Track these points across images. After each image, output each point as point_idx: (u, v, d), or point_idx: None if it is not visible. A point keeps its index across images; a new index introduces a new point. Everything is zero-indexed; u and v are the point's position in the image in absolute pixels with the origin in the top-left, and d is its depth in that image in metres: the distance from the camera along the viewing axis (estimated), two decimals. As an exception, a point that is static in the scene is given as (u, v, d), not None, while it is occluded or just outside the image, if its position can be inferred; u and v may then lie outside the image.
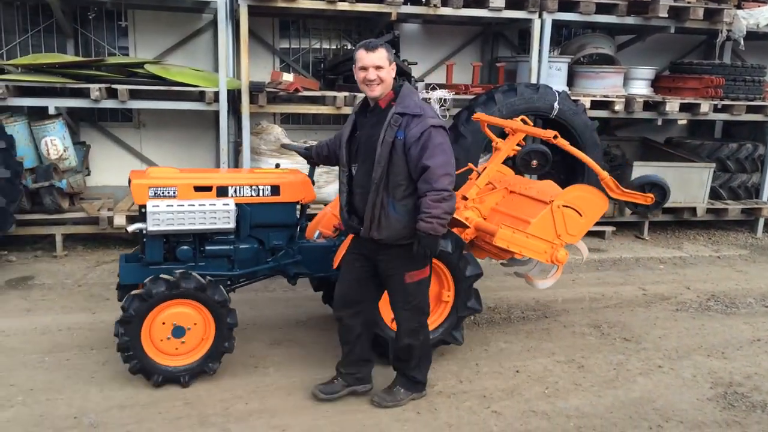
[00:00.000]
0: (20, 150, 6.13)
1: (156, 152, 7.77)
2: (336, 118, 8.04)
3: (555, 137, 4.54)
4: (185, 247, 4.09)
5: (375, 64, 3.43)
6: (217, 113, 6.74)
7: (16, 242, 6.51)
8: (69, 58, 6.80)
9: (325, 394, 3.85)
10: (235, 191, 4.15)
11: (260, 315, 5.15)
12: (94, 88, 6.17)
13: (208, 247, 4.18)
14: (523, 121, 4.91)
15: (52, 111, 6.30)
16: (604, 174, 4.58)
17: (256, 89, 6.69)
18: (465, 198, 4.80)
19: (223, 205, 4.06)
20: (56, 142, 6.38)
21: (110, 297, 5.43)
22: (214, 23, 7.63)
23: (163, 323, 3.84)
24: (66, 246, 6.56)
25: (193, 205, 4.01)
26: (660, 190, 4.77)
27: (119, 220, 6.42)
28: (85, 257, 6.50)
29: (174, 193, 4.03)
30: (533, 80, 7.27)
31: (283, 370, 4.27)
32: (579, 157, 4.69)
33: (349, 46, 8.29)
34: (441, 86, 7.28)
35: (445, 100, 6.98)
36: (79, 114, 7.39)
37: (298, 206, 4.37)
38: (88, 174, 7.35)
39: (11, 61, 6.74)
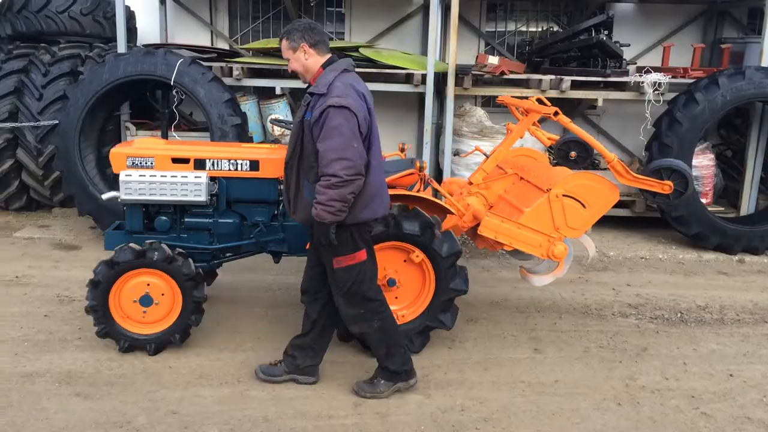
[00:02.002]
0: (250, 126, 6.82)
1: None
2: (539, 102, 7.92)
3: (555, 114, 4.23)
4: (164, 218, 4.19)
5: (285, 56, 3.46)
6: (421, 95, 6.97)
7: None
8: (293, 42, 7.39)
9: (264, 374, 3.81)
10: (213, 164, 4.11)
11: (457, 292, 5.29)
12: (315, 70, 6.66)
13: (187, 219, 4.23)
14: (538, 101, 4.54)
15: (278, 91, 6.92)
16: (611, 156, 4.20)
17: (462, 72, 6.81)
18: (470, 183, 4.59)
19: (195, 177, 4.05)
20: (280, 119, 7.00)
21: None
22: (423, 7, 7.88)
23: (132, 291, 3.93)
24: (282, 214, 7.19)
25: (165, 176, 4.04)
26: (680, 177, 4.15)
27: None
28: (298, 226, 7.07)
29: (151, 163, 4.08)
30: (765, 63, 6.60)
31: (480, 346, 4.37)
32: (581, 137, 4.35)
33: (556, 28, 8.10)
34: (656, 69, 6.88)
35: (659, 84, 6.59)
36: (300, 94, 8.02)
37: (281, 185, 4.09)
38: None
39: (245, 46, 7.52)
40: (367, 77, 6.89)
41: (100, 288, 3.89)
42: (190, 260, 3.98)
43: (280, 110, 7.04)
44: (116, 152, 4.11)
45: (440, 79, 7.05)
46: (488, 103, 8.30)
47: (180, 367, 3.92)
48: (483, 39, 8.19)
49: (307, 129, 3.31)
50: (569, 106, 8.15)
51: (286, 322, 4.60)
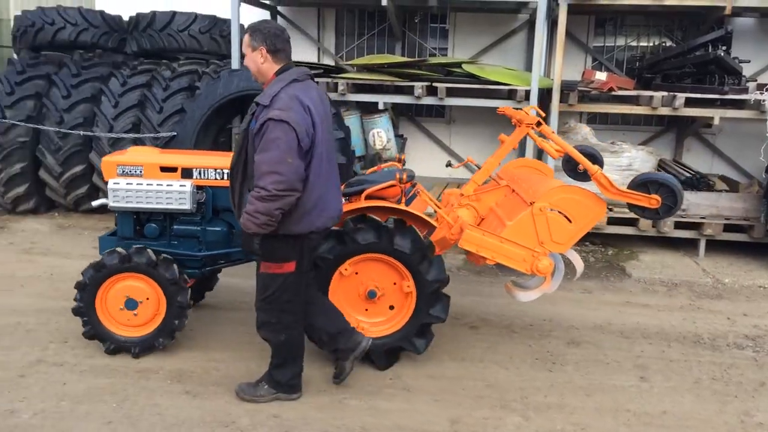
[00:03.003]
0: (353, 140, 6.97)
1: (463, 146, 8.20)
2: (648, 119, 7.67)
3: (538, 124, 4.06)
4: (153, 225, 4.22)
5: (243, 52, 3.39)
6: (525, 111, 6.88)
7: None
8: (397, 58, 7.52)
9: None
10: (200, 174, 4.13)
11: (558, 313, 5.16)
12: (418, 86, 6.73)
13: (176, 227, 4.25)
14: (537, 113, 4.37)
15: (381, 106, 7.04)
16: (593, 169, 3.97)
17: (567, 88, 6.67)
18: (461, 195, 4.41)
19: (180, 186, 4.08)
20: (381, 134, 7.12)
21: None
22: (529, 23, 7.80)
23: (118, 294, 4.01)
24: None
25: (151, 185, 4.09)
26: (668, 191, 3.87)
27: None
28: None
29: (140, 172, 4.13)
30: None
31: (582, 370, 4.23)
32: (563, 147, 4.13)
33: (669, 43, 7.79)
34: (779, 86, 6.48)
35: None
36: (400, 109, 8.13)
37: None
38: (404, 164, 8.05)
39: (350, 62, 7.71)
40: (468, 93, 6.90)
41: (87, 290, 4.00)
42: (175, 265, 4.04)
43: (382, 125, 7.16)
44: (107, 160, 4.21)
45: (544, 95, 6.94)
46: (594, 120, 8.09)
47: (281, 372, 4.03)
48: (590, 54, 8.01)
49: (251, 138, 3.30)
50: (682, 124, 7.82)
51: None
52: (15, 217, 7.27)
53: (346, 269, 4.00)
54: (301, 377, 3.75)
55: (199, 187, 4.18)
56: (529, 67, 7.55)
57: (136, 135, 6.87)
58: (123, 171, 4.14)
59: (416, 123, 8.31)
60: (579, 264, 4.28)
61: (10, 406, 3.49)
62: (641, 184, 3.95)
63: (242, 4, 6.97)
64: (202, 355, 4.18)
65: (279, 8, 8.07)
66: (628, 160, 6.69)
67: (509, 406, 3.76)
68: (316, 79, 6.64)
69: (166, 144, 6.81)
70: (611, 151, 6.72)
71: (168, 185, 4.09)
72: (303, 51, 8.24)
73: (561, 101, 6.68)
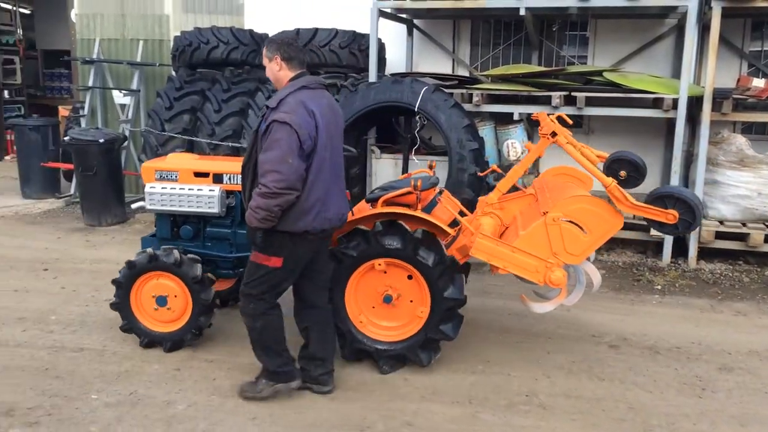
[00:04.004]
0: (486, 150, 6.91)
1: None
2: (813, 129, 6.98)
3: (553, 134, 4.04)
4: (188, 227, 4.45)
5: (263, 63, 3.66)
6: (670, 121, 6.52)
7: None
8: (533, 68, 7.38)
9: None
10: (230, 179, 4.33)
11: (706, 335, 4.82)
12: (555, 96, 6.57)
13: (209, 229, 4.48)
14: (559, 119, 4.24)
15: (516, 117, 6.93)
16: (607, 181, 3.80)
17: (720, 96, 6.24)
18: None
19: (209, 190, 4.32)
20: (516, 145, 7.01)
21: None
22: (677, 28, 7.39)
23: (149, 292, 4.25)
24: (514, 240, 7.16)
25: (183, 189, 4.33)
26: (685, 206, 3.70)
27: (564, 220, 6.73)
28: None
29: (176, 177, 4.38)
30: None
31: (735, 398, 3.93)
32: (576, 159, 3.99)
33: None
34: None
35: None
36: (536, 120, 7.96)
37: None
38: (537, 175, 7.88)
39: (485, 72, 7.67)
40: (609, 102, 6.63)
41: (122, 287, 4.28)
42: (199, 265, 4.24)
43: (517, 135, 7.05)
44: (146, 166, 4.50)
45: (693, 103, 6.54)
46: (749, 129, 7.51)
47: (415, 380, 4.06)
48: (746, 60, 7.44)
49: (261, 138, 3.47)
50: None
51: (515, 348, 4.56)
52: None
53: (379, 264, 4.04)
54: (292, 365, 3.82)
55: (228, 192, 4.41)
56: (676, 75, 7.14)
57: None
58: (160, 176, 4.43)
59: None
60: (596, 277, 4.11)
61: (167, 397, 3.78)
62: (658, 198, 3.81)
63: (380, 19, 7.15)
64: (336, 360, 4.30)
65: (415, 21, 8.19)
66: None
67: (653, 431, 3.56)
68: (452, 91, 6.75)
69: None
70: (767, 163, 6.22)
71: (198, 190, 4.36)
72: (437, 63, 8.30)
73: (713, 110, 6.26)
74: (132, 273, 4.27)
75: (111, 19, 9.30)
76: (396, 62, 8.22)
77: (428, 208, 4.39)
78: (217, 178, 4.40)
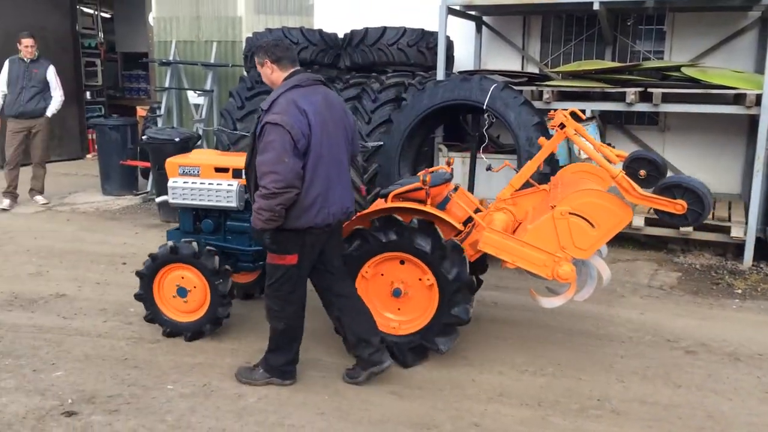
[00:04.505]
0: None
1: (678, 156, 7.61)
2: None
3: (561, 126, 4.03)
4: (209, 221, 4.60)
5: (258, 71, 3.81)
6: (753, 118, 6.22)
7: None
8: (607, 64, 7.19)
9: (350, 378, 3.93)
10: None
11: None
12: (630, 92, 6.37)
13: (229, 223, 4.60)
14: (572, 114, 4.18)
15: (588, 114, 6.77)
16: (614, 171, 3.78)
17: (809, 90, 5.91)
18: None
19: (228, 185, 4.42)
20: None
21: (625, 294, 5.60)
22: (761, 20, 7.06)
23: (171, 283, 4.40)
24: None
25: (204, 183, 4.46)
26: (693, 196, 3.66)
27: (637, 221, 6.53)
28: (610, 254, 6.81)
29: (198, 172, 4.51)
30: None
31: (825, 411, 3.71)
32: (583, 149, 4.00)
33: None
34: None
35: None
36: (607, 116, 7.76)
37: None
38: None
39: (555, 69, 7.52)
40: (687, 99, 6.38)
41: (146, 279, 4.44)
42: (216, 257, 4.36)
43: (589, 133, 6.85)
44: (171, 161, 4.62)
45: (779, 99, 6.21)
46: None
47: (483, 381, 4.02)
48: (838, 52, 7.02)
49: (258, 140, 3.56)
50: None
51: (586, 351, 4.45)
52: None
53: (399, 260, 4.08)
54: (295, 365, 3.94)
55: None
56: (759, 70, 6.80)
57: (347, 144, 7.27)
58: (183, 171, 4.57)
59: (626, 131, 7.87)
60: (605, 272, 4.04)
61: (238, 390, 3.87)
62: (666, 188, 3.78)
63: (449, 16, 7.11)
64: (406, 358, 4.31)
65: (484, 18, 8.11)
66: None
67: (734, 442, 3.41)
68: (522, 88, 6.63)
69: (373, 153, 7.14)
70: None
71: (218, 184, 4.47)
72: (507, 60, 8.19)
73: (800, 106, 5.94)
74: (154, 265, 4.44)
75: (186, 21, 9.60)
76: (464, 60, 8.16)
77: (442, 205, 4.40)
78: (237, 174, 4.46)
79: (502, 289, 5.69)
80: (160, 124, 9.28)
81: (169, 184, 4.58)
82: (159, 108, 9.58)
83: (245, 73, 8.55)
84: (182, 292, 4.43)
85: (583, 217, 3.72)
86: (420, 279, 4.09)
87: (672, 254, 6.65)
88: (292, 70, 3.70)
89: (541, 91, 6.75)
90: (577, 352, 4.45)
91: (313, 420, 3.57)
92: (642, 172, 4.16)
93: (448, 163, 4.72)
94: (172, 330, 4.50)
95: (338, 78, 7.90)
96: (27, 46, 8.25)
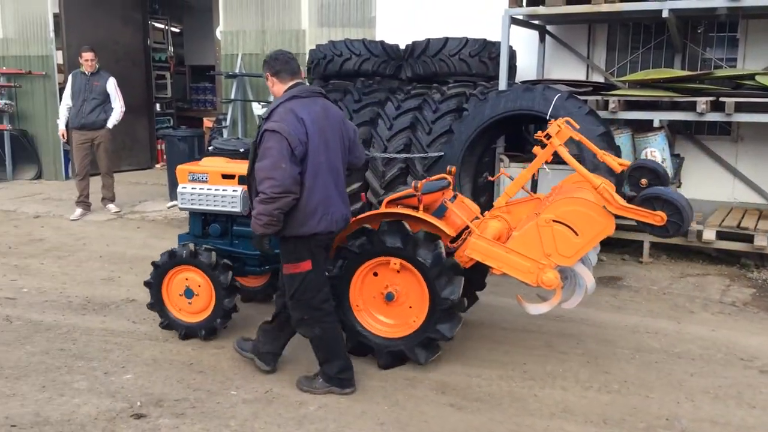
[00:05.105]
0: (623, 159, 6.61)
1: (752, 168, 7.30)
2: None
3: (547, 137, 4.04)
4: (216, 225, 4.77)
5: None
6: (835, 127, 5.91)
7: (606, 244, 6.95)
8: (676, 72, 6.97)
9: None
10: None
11: None
12: (701, 102, 6.16)
13: (235, 228, 4.77)
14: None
15: (656, 124, 6.58)
16: (596, 182, 3.84)
17: None
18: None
19: (233, 191, 4.59)
20: (656, 153, 6.65)
21: (695, 310, 5.40)
22: (843, 25, 6.72)
23: (179, 286, 4.59)
24: (651, 253, 6.79)
25: (210, 189, 4.64)
26: (672, 208, 3.73)
27: (708, 234, 6.30)
28: (669, 267, 6.60)
29: (206, 178, 4.69)
30: None
31: None
32: (566, 160, 4.02)
33: None
34: None
35: None
36: (676, 126, 7.52)
37: None
38: (680, 186, 7.43)
39: (622, 78, 7.35)
40: (763, 108, 6.12)
41: (153, 287, 4.63)
42: (213, 253, 4.51)
43: (657, 143, 6.67)
44: (181, 168, 4.82)
45: None
46: None
47: (545, 397, 3.95)
48: None
49: (258, 148, 3.70)
50: None
51: (654, 369, 4.31)
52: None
53: (395, 263, 4.13)
54: (350, 372, 3.95)
55: None
56: (842, 76, 6.47)
57: (406, 155, 7.29)
58: (193, 177, 4.76)
59: (696, 141, 7.61)
60: (589, 279, 4.00)
61: (299, 397, 3.92)
62: (646, 199, 3.83)
63: (512, 26, 7.05)
64: (463, 370, 4.28)
65: (548, 27, 8.01)
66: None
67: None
68: (587, 98, 6.51)
69: (434, 164, 7.13)
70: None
71: (223, 190, 4.64)
72: (571, 69, 8.05)
73: None
74: (160, 272, 4.62)
75: (252, 35, 9.85)
76: (526, 69, 8.08)
77: (440, 212, 4.44)
78: (243, 180, 4.57)
79: (565, 302, 5.58)
80: (225, 135, 9.53)
81: (179, 189, 4.79)
82: (225, 119, 9.82)
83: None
84: (189, 293, 4.60)
85: (566, 225, 3.80)
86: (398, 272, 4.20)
87: (745, 269, 6.38)
88: (292, 82, 3.84)
89: (607, 100, 6.61)
90: (645, 369, 4.31)
91: (373, 430, 3.57)
92: (643, 181, 4.24)
93: (450, 172, 4.82)
94: (187, 332, 4.66)
95: (399, 89, 7.94)
96: (87, 60, 8.55)
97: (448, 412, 3.77)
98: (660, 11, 6.25)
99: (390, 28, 8.96)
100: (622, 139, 6.76)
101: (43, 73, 11.08)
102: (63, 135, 8.97)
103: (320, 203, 3.71)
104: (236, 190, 4.63)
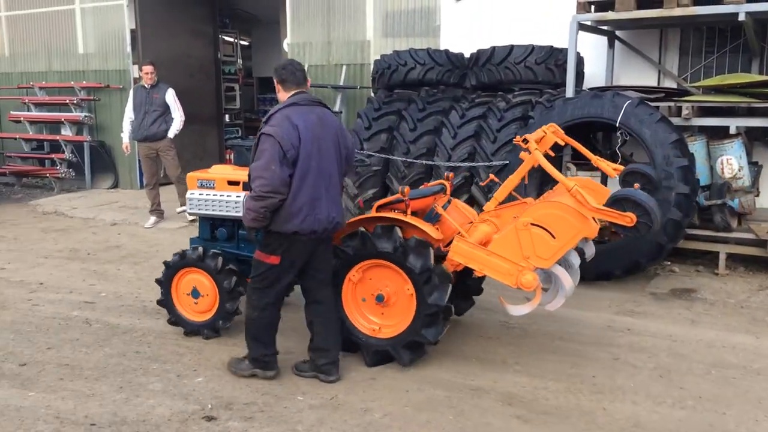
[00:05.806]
0: (697, 167, 6.38)
1: (838, 176, 6.93)
2: None
3: (525, 141, 4.24)
4: (223, 230, 4.96)
5: None
6: None
7: (679, 254, 6.83)
8: (754, 77, 6.70)
9: (297, 370, 4.29)
10: None
11: None
12: (781, 107, 5.91)
13: (241, 232, 4.92)
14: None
15: (732, 131, 6.34)
16: (568, 184, 3.91)
17: None
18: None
19: (236, 197, 4.77)
20: (732, 161, 6.40)
21: (776, 325, 5.16)
22: None
23: (187, 286, 4.83)
24: (728, 265, 6.52)
25: (216, 195, 4.86)
26: (641, 210, 3.80)
27: (789, 246, 6.01)
28: (747, 279, 6.33)
29: (213, 185, 4.89)
30: None
31: None
32: (543, 165, 4.15)
33: None
34: None
35: None
36: (754, 134, 7.21)
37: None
38: (758, 195, 7.11)
39: (695, 83, 7.11)
40: None
41: (164, 285, 4.89)
42: (220, 258, 4.74)
43: (733, 151, 6.42)
44: (191, 175, 5.04)
45: None
46: None
47: (615, 411, 3.84)
48: None
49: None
50: None
51: (731, 384, 4.14)
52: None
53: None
54: (275, 357, 4.23)
55: None
56: None
57: (471, 164, 7.26)
58: (201, 184, 4.96)
59: (775, 148, 7.29)
60: (567, 282, 4.04)
61: (364, 404, 3.94)
62: (616, 201, 3.90)
63: (580, 32, 6.94)
64: (531, 381, 4.21)
65: (617, 33, 7.84)
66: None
67: None
68: (658, 104, 6.33)
69: (498, 172, 7.07)
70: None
71: (227, 196, 4.84)
72: (641, 75, 7.84)
73: None
74: (170, 271, 4.87)
75: (318, 47, 10.03)
76: (595, 76, 7.91)
77: (433, 218, 4.52)
78: (247, 186, 4.69)
79: (637, 314, 5.43)
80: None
81: (187, 195, 5.04)
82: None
83: (372, 95, 8.78)
84: (196, 293, 4.85)
85: (544, 228, 3.90)
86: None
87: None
88: (295, 91, 4.08)
89: (680, 107, 6.42)
90: (721, 386, 4.14)
91: (438, 440, 3.56)
92: (636, 185, 4.30)
93: (447, 178, 4.92)
94: (192, 330, 4.92)
95: (464, 97, 7.92)
96: (147, 73, 8.80)
97: (515, 424, 3.72)
98: (736, 14, 6.03)
99: (454, 36, 8.95)
100: (696, 146, 6.53)
101: (121, 86, 11.56)
102: (127, 148, 9.22)
103: (305, 205, 3.93)
104: (240, 196, 4.79)
